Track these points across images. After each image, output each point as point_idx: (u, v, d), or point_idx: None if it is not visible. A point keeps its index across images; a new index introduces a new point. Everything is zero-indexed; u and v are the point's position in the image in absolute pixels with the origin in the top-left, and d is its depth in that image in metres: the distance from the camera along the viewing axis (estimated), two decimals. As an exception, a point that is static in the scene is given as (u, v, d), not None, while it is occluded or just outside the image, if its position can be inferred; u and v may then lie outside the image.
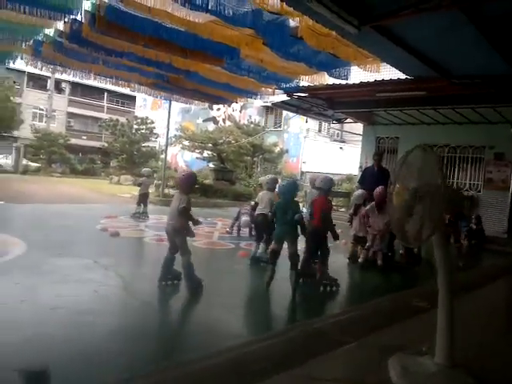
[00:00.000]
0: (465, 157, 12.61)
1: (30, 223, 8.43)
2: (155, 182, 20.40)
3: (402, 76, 8.45)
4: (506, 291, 5.78)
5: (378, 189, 6.24)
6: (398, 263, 6.77)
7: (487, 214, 11.88)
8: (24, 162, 29.96)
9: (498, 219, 11.74)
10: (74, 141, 34.94)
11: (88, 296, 4.08)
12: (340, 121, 15.80)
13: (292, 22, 6.10)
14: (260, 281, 5.07)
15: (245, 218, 8.72)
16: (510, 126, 11.20)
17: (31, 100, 36.97)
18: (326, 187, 5.35)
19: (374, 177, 7.57)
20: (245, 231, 8.89)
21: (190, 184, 4.73)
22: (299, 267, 5.06)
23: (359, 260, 6.48)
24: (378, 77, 8.79)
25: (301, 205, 5.53)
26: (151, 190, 18.56)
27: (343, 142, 27.67)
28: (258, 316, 4.27)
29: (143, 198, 10.34)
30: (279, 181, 7.30)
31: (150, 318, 3.74)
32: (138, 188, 10.64)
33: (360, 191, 7.00)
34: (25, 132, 31.71)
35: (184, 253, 4.51)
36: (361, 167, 13.68)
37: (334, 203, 16.59)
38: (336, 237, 5.33)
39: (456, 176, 12.78)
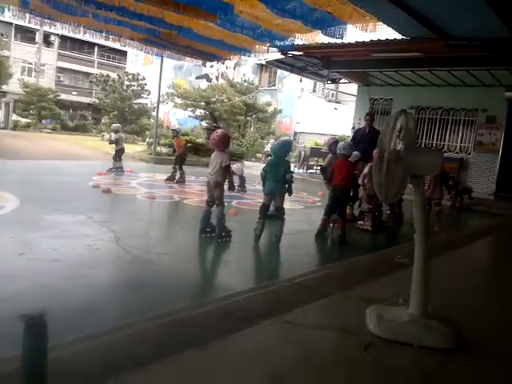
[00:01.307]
0: (457, 119, 12.68)
1: (22, 179, 8.46)
2: (147, 139, 20.27)
3: (398, 36, 8.35)
4: (487, 249, 6.04)
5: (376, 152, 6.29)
6: (385, 222, 6.98)
7: (476, 176, 12.11)
8: (14, 117, 29.49)
9: (487, 181, 11.97)
10: (64, 96, 34.30)
11: (83, 250, 4.22)
12: (335, 81, 15.65)
13: (288, -22, 5.96)
14: (248, 237, 5.25)
15: (236, 166, 9.00)
16: (503, 89, 11.21)
17: (19, 53, 35.76)
18: (349, 152, 5.86)
19: (364, 138, 7.60)
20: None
21: (226, 142, 5.10)
22: (320, 227, 5.65)
23: (365, 225, 6.53)
24: (374, 36, 8.68)
25: (293, 164, 5.76)
26: (144, 147, 18.52)
27: (338, 102, 27.42)
28: (249, 269, 4.45)
29: (121, 153, 10.50)
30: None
31: (143, 271, 3.90)
32: (114, 144, 10.57)
33: (356, 153, 7.02)
34: (14, 87, 30.90)
35: (220, 204, 5.04)
36: (353, 128, 13.70)
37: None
38: (357, 197, 6.39)
39: (448, 138, 12.89)
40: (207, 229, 5.13)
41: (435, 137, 12.97)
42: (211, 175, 5.03)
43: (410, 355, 2.24)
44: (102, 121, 31.32)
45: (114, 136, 10.75)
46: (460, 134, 12.68)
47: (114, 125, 11.57)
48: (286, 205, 5.31)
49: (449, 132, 12.85)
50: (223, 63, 24.77)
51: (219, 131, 5.27)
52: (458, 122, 12.68)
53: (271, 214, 5.61)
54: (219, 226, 5.00)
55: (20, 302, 2.86)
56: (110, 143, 11.02)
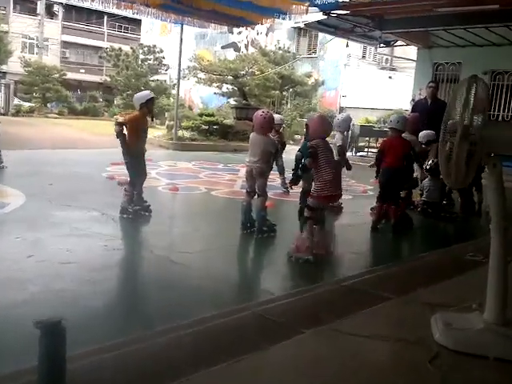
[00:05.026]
0: (543, 85, 12.22)
1: (28, 172, 8.77)
2: (167, 122, 20.50)
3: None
4: None
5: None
6: (454, 213, 6.84)
7: None
8: (15, 101, 30.49)
9: None
10: (70, 75, 35.07)
11: (99, 250, 4.36)
12: (389, 44, 15.40)
13: None
14: (287, 232, 5.29)
15: None
16: None
17: (19, 27, 36.88)
18: (403, 127, 5.77)
19: (426, 111, 7.42)
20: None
21: (271, 124, 5.26)
22: (375, 217, 5.73)
23: None
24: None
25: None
26: (163, 132, 18.76)
27: (393, 69, 26.89)
28: (289, 270, 4.47)
29: None
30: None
31: (167, 273, 3.99)
32: None
33: (429, 132, 6.82)
34: (14, 66, 31.99)
35: (262, 195, 5.15)
36: (413, 100, 13.43)
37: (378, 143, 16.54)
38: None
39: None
40: (248, 224, 5.23)
41: (514, 107, 12.54)
42: (253, 163, 5.10)
43: (485, 369, 2.22)
44: (115, 102, 31.91)
45: None
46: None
47: None
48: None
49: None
50: (253, 29, 24.71)
51: (265, 111, 5.39)
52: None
53: None
54: (259, 220, 5.13)
55: (31, 307, 3.01)
56: None
